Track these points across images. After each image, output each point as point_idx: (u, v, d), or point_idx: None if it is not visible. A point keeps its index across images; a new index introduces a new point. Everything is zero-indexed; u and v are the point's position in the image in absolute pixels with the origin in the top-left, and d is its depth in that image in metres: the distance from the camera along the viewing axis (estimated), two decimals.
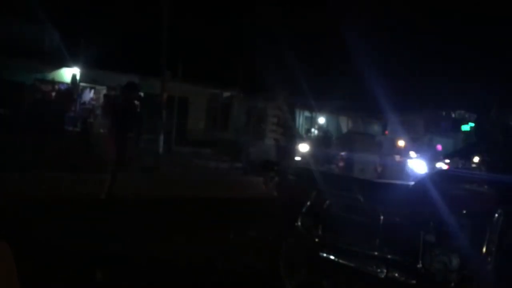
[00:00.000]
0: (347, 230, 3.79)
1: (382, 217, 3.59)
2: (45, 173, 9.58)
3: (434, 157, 11.09)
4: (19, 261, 2.01)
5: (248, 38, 21.36)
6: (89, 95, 21.10)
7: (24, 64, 17.58)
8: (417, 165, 13.11)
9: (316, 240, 3.90)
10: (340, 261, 3.73)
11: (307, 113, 26.67)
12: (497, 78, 19.12)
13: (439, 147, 15.91)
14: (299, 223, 4.01)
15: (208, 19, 21.25)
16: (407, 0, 21.98)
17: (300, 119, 26.84)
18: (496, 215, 3.21)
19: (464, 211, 3.30)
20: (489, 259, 3.14)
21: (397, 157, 14.47)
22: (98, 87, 21.04)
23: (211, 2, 21.25)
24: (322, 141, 18.96)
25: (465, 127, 16.34)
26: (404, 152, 15.17)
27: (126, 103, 8.11)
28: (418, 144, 16.36)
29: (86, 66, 18.99)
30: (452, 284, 3.18)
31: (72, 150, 12.66)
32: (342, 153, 15.59)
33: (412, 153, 13.61)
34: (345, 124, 27.24)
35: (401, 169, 13.97)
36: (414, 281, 3.35)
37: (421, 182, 3.92)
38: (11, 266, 1.98)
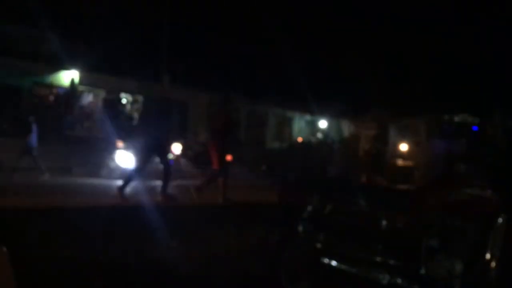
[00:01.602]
0: (349, 235, 3.75)
1: (384, 222, 3.56)
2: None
3: (151, 147, 8.71)
4: None
5: (247, 41, 21.36)
6: (87, 98, 21.06)
7: (22, 67, 17.52)
8: (123, 158, 11.38)
9: (318, 246, 3.86)
10: (342, 267, 3.69)
11: (307, 117, 26.58)
12: (499, 81, 19.07)
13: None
14: (301, 229, 3.97)
15: (207, 23, 21.26)
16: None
17: (300, 123, 26.80)
18: (500, 219, 3.18)
19: (468, 216, 3.27)
20: (492, 264, 3.11)
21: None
22: (97, 90, 21.01)
23: (211, 6, 21.26)
24: (322, 147, 18.84)
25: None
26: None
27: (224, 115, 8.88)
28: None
29: (85, 70, 18.96)
30: None
31: None
32: None
33: (119, 143, 10.99)
34: (346, 128, 27.14)
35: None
36: (417, 287, 3.32)
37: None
38: (8, 271, 1.95)
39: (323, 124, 26.07)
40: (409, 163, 15.99)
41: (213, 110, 9.62)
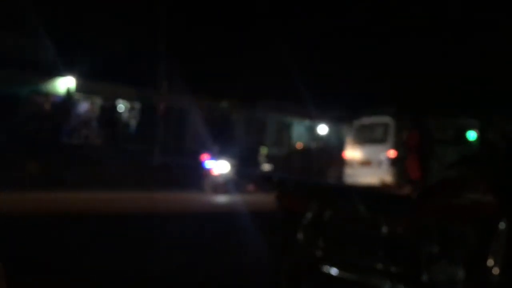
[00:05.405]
0: (350, 242, 3.72)
1: (384, 229, 3.52)
2: None
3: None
4: None
5: (246, 46, 21.37)
6: (84, 106, 21.01)
7: (17, 76, 17.42)
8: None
9: (318, 253, 3.82)
10: (343, 275, 3.65)
11: (307, 122, 26.39)
12: (498, 84, 19.02)
13: None
14: (300, 236, 3.93)
15: (205, 28, 21.27)
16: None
17: (299, 128, 26.69)
18: (501, 225, 3.15)
19: (469, 221, 3.24)
20: (494, 270, 3.08)
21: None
22: (94, 98, 20.95)
23: (208, 12, 21.28)
24: (322, 153, 18.72)
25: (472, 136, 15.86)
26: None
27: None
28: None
29: (82, 77, 18.90)
30: None
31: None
32: None
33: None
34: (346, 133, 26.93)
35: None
36: None
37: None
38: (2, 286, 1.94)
39: (323, 129, 25.85)
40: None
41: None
